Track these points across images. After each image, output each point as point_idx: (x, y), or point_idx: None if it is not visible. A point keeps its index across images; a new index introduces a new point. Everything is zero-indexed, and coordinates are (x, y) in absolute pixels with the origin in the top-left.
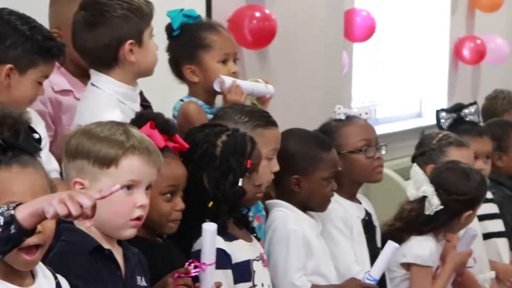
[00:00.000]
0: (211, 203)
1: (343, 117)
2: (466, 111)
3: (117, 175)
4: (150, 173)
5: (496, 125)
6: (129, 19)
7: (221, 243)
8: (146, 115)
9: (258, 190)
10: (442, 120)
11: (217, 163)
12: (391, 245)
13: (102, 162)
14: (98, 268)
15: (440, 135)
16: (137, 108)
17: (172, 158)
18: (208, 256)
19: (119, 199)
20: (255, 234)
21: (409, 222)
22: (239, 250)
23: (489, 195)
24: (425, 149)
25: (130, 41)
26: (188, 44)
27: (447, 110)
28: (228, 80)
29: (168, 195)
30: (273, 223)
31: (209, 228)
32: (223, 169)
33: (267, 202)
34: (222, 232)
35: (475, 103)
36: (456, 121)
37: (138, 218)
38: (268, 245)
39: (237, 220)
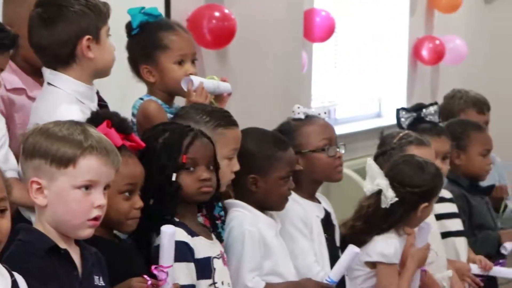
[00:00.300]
0: (151, 200)
1: (302, 117)
2: (426, 111)
3: (74, 175)
4: (108, 173)
5: (456, 124)
6: (86, 15)
7: (184, 236)
8: (102, 114)
9: (203, 184)
10: (402, 119)
11: (154, 160)
12: (352, 249)
13: (59, 162)
14: (54, 267)
15: (401, 134)
16: (95, 107)
17: (129, 157)
18: (167, 259)
19: (76, 198)
20: (219, 231)
21: (368, 220)
22: (200, 246)
23: (448, 194)
24: (386, 148)
25: (87, 36)
26: (145, 44)
27: (407, 109)
28: (196, 81)
29: (127, 194)
30: (230, 223)
31: (167, 230)
32: (157, 165)
33: (226, 202)
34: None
35: (435, 103)
36: (416, 121)
37: (95, 218)
38: (225, 245)
39: (208, 217)
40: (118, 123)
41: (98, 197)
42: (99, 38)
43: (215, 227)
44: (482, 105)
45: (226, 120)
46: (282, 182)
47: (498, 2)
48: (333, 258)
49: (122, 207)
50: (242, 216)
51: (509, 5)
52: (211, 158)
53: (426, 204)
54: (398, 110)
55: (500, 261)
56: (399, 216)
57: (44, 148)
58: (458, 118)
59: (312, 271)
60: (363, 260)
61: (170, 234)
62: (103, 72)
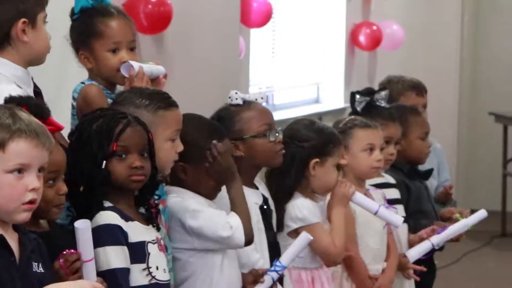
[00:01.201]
0: (81, 187)
1: (240, 102)
2: (377, 95)
3: (5, 160)
4: (40, 156)
5: (395, 109)
6: None
7: (117, 220)
8: (17, 100)
9: (133, 172)
10: (356, 103)
11: (85, 146)
12: (305, 236)
13: None
14: None
15: (347, 119)
16: (31, 93)
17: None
18: (86, 253)
19: (9, 183)
20: (158, 216)
21: (277, 188)
22: (134, 231)
23: (392, 180)
24: None
25: (23, 19)
26: (82, 30)
27: (361, 93)
28: (136, 66)
29: (50, 181)
30: (169, 209)
31: (81, 226)
32: (88, 152)
33: (165, 188)
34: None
35: (384, 88)
36: (369, 105)
37: (31, 202)
38: (170, 228)
39: (137, 203)
40: (35, 108)
41: (32, 180)
42: (35, 23)
43: (150, 216)
44: (420, 88)
45: (166, 102)
46: None
47: None
48: (271, 245)
49: (47, 195)
50: (180, 201)
51: None
52: (145, 145)
53: (316, 159)
54: (352, 94)
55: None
56: (294, 175)
57: None
58: (396, 103)
59: (251, 258)
60: (285, 232)
61: (83, 230)
62: (37, 58)
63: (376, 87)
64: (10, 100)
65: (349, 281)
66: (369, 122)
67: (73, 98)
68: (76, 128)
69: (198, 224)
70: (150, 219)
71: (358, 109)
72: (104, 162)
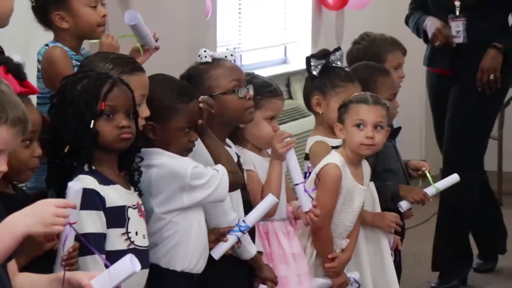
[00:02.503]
0: (66, 148)
1: (209, 60)
2: (332, 57)
3: None
4: (16, 142)
5: (363, 68)
6: None
7: (94, 184)
8: None
9: (122, 131)
10: (312, 67)
11: (71, 107)
12: (270, 197)
13: None
14: None
15: (356, 94)
16: None
17: (28, 104)
18: (72, 216)
19: None
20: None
21: None
22: (115, 195)
23: None
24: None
25: None
26: None
27: (316, 56)
28: (140, 16)
29: (27, 142)
30: (156, 171)
31: (74, 187)
32: (75, 112)
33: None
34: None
35: (339, 48)
36: (325, 68)
37: None
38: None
39: (120, 167)
40: (14, 69)
41: (2, 165)
42: None
43: (131, 177)
44: (404, 47)
45: (130, 66)
46: (181, 133)
47: None
48: (245, 203)
49: (23, 156)
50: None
51: None
52: (130, 105)
53: None
54: (307, 58)
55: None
56: None
57: None
58: (364, 62)
59: (228, 218)
60: None
61: (76, 191)
62: (1, 20)
63: (344, 47)
64: None
65: (312, 246)
66: (369, 98)
67: (38, 61)
68: (59, 90)
69: (201, 182)
70: (133, 182)
71: (315, 73)
72: (92, 121)
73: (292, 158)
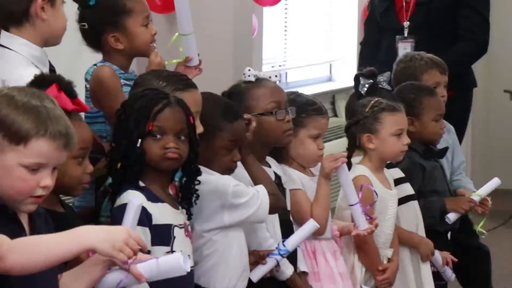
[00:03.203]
0: (119, 164)
1: (253, 79)
2: (380, 78)
3: (24, 154)
4: (59, 157)
5: (408, 89)
6: None
7: (142, 200)
8: (48, 78)
9: (167, 151)
10: (360, 86)
11: (124, 124)
12: (311, 223)
13: (11, 138)
14: (2, 228)
15: (372, 102)
16: (47, 72)
17: (80, 121)
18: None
19: (22, 177)
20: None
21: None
22: (162, 213)
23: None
24: (358, 117)
25: None
26: (110, 12)
27: (364, 75)
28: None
29: (80, 159)
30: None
31: (135, 202)
32: (124, 130)
33: None
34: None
35: (401, 65)
36: (372, 88)
37: (38, 196)
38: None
39: (181, 192)
40: (66, 86)
41: (45, 178)
42: (55, 2)
43: (188, 200)
44: (443, 65)
45: (183, 83)
46: (224, 152)
47: None
48: (283, 223)
49: (76, 172)
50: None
51: None
52: (182, 128)
53: None
54: (356, 77)
55: None
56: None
57: (1, 118)
58: (410, 82)
59: (259, 237)
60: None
61: (137, 206)
62: (54, 38)
63: None
64: (42, 78)
65: (359, 263)
66: (395, 105)
67: (86, 80)
68: (121, 106)
69: (242, 201)
70: (188, 204)
71: (362, 92)
72: (139, 141)
73: (346, 179)
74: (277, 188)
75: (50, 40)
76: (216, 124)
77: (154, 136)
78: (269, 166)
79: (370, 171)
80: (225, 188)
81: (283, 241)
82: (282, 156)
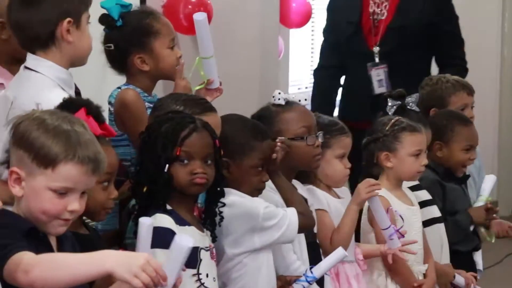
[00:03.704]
0: (145, 188)
1: (283, 103)
2: (408, 99)
3: (52, 178)
4: (87, 182)
5: (443, 115)
6: None
7: (171, 224)
8: (77, 101)
9: (195, 176)
10: (388, 107)
11: (151, 148)
12: (340, 251)
13: (40, 161)
14: (33, 251)
15: (393, 121)
16: (73, 95)
17: (107, 145)
18: (143, 250)
19: (50, 200)
20: (214, 228)
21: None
22: (189, 236)
23: (416, 182)
24: (378, 135)
25: (69, 19)
26: (136, 33)
27: (393, 97)
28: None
29: (105, 183)
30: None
31: (146, 222)
32: (153, 155)
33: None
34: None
35: (429, 86)
36: (400, 109)
37: (66, 219)
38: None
39: (205, 213)
40: (94, 111)
41: (73, 203)
42: (80, 23)
43: (212, 221)
44: (470, 87)
45: (201, 107)
46: (254, 172)
47: None
48: (310, 245)
49: (100, 197)
50: (241, 199)
51: None
52: (209, 153)
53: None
54: (385, 97)
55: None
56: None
57: (31, 141)
58: (446, 110)
59: (286, 260)
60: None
61: (148, 226)
62: (80, 59)
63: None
64: (70, 101)
65: (393, 283)
66: (416, 125)
67: (110, 103)
68: (146, 129)
69: (273, 223)
70: (212, 226)
71: (390, 113)
72: (167, 166)
73: (377, 204)
74: (308, 207)
75: (76, 61)
76: (246, 143)
77: (182, 161)
78: (295, 188)
79: (387, 190)
80: (256, 210)
81: (310, 268)
82: (308, 177)
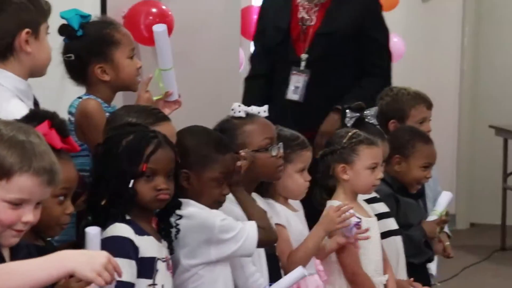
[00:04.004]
0: (103, 201)
1: (243, 115)
2: (367, 112)
3: (6, 189)
4: (42, 193)
5: (406, 131)
6: (28, 9)
7: (131, 234)
8: (42, 113)
9: (159, 193)
10: (347, 119)
11: (114, 163)
12: (300, 270)
13: None
14: None
15: (350, 133)
16: (32, 106)
17: (67, 160)
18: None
19: (3, 210)
20: (170, 239)
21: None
22: (148, 246)
23: (374, 194)
24: (335, 147)
25: (26, 29)
26: (97, 43)
27: (352, 109)
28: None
29: (61, 198)
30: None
31: (91, 231)
32: (116, 169)
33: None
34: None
35: (373, 105)
36: (359, 121)
37: (19, 230)
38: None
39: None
40: (58, 124)
41: (28, 214)
42: (38, 34)
43: (167, 233)
44: (429, 100)
45: (154, 117)
46: (214, 184)
47: (435, 1)
48: (270, 257)
49: (55, 212)
50: (199, 210)
51: (446, 3)
52: (172, 167)
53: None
54: (344, 109)
55: None
56: None
57: None
58: (409, 126)
59: (246, 271)
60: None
61: (93, 235)
62: (39, 69)
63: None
64: (35, 113)
65: None
66: (373, 138)
67: (70, 114)
68: (105, 141)
69: (229, 236)
70: (168, 238)
71: (348, 125)
72: (132, 181)
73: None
74: (269, 222)
75: (35, 72)
76: (208, 155)
77: (146, 177)
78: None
79: (344, 202)
80: (212, 222)
81: (270, 285)
82: (267, 190)
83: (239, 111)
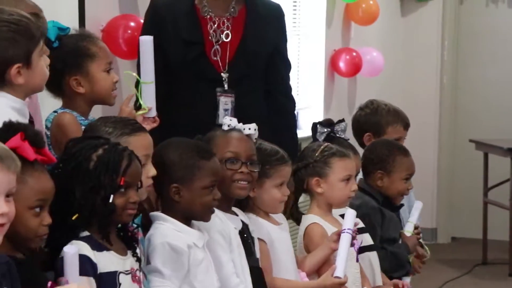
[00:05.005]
0: (75, 216)
1: (226, 128)
2: (337, 127)
3: None
4: (5, 180)
5: (383, 145)
6: (17, 42)
7: (88, 251)
8: (15, 126)
9: (130, 207)
10: (318, 134)
11: (89, 178)
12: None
13: None
14: None
15: (322, 147)
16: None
17: (42, 172)
18: (72, 278)
19: None
20: (136, 250)
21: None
22: (107, 261)
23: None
24: (308, 161)
25: (16, 65)
26: (73, 55)
27: (322, 124)
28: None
29: (37, 209)
30: (150, 236)
31: (70, 251)
32: (94, 184)
33: (151, 214)
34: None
35: (343, 120)
36: (329, 137)
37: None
38: (147, 258)
39: (119, 235)
40: (32, 136)
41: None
42: (30, 62)
43: (130, 244)
44: (407, 121)
45: (130, 128)
46: (206, 192)
47: (414, 15)
48: (252, 270)
49: (32, 223)
50: (163, 228)
51: (424, 18)
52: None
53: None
54: (314, 125)
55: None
56: None
57: None
58: (385, 139)
59: (230, 283)
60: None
61: (72, 255)
62: (36, 90)
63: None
64: (9, 126)
65: None
66: (345, 151)
67: (46, 128)
68: (72, 156)
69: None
70: (133, 248)
71: (320, 139)
72: (112, 196)
73: (345, 249)
74: None
75: (32, 92)
76: (194, 164)
77: (122, 191)
78: (236, 215)
79: (319, 217)
80: (180, 248)
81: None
82: (248, 205)
83: (229, 125)
